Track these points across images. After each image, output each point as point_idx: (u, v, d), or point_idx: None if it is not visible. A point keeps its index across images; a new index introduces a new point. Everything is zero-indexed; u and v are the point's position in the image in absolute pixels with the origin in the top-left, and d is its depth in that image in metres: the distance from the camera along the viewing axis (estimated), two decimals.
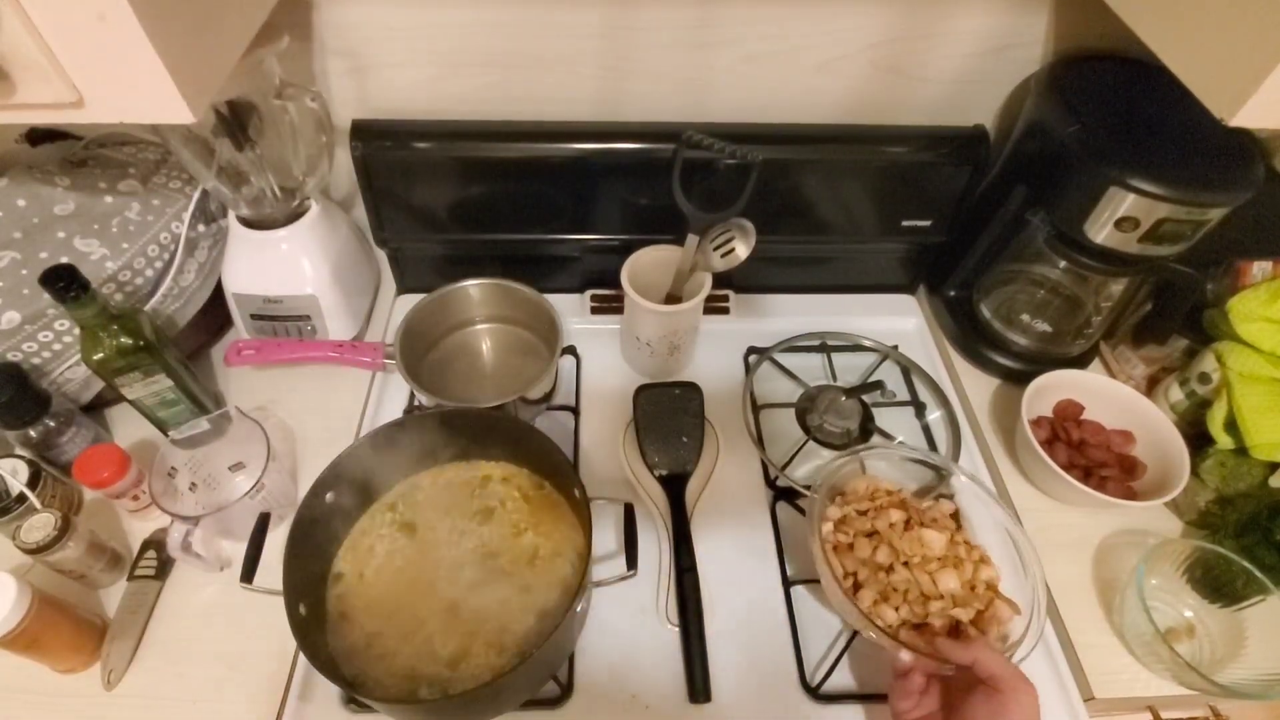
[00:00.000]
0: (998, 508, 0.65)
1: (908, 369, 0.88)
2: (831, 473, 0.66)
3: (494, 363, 0.86)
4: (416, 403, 0.82)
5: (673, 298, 0.78)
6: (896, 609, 0.58)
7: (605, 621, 0.66)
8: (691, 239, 0.74)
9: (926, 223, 0.86)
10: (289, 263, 0.78)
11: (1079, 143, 0.69)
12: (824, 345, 0.89)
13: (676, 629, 0.65)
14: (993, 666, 0.51)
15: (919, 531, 0.61)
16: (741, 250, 0.71)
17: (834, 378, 0.87)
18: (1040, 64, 0.80)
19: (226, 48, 0.52)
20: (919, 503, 0.66)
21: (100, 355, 0.64)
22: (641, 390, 0.77)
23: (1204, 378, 0.74)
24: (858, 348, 0.90)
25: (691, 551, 0.68)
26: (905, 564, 0.59)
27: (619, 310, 0.87)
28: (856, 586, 0.60)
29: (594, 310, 0.92)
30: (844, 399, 0.81)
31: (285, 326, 0.82)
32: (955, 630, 0.58)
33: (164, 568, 0.68)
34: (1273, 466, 0.70)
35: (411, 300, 0.82)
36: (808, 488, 0.73)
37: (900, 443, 0.79)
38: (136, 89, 0.42)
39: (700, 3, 0.73)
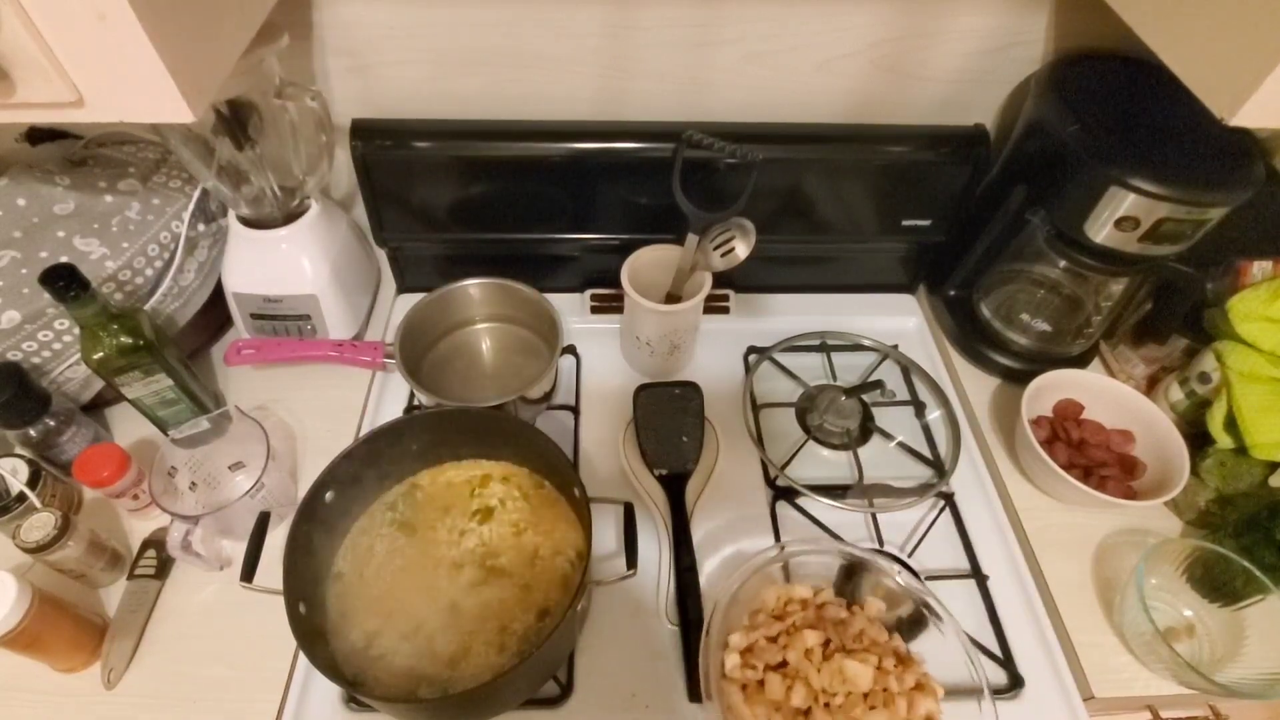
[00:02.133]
0: (914, 586, 0.55)
1: (908, 368, 0.88)
2: (743, 577, 0.52)
3: (494, 362, 0.86)
4: (416, 402, 0.82)
5: (673, 297, 0.78)
6: None
7: (605, 621, 0.66)
8: (691, 238, 0.74)
9: (926, 222, 0.86)
10: (289, 262, 0.78)
11: (1079, 142, 0.69)
12: (824, 345, 0.90)
13: (676, 629, 0.65)
14: None
15: (840, 662, 0.49)
16: (741, 250, 0.71)
17: (834, 377, 0.87)
18: (1040, 63, 0.80)
19: (226, 47, 0.52)
20: (840, 610, 0.54)
21: (100, 355, 0.64)
22: (641, 390, 0.78)
23: (1204, 377, 0.74)
24: (858, 347, 0.90)
25: (691, 551, 0.68)
26: (826, 706, 0.48)
27: (619, 310, 0.87)
28: None
29: (594, 310, 0.92)
30: (844, 398, 0.81)
31: (285, 326, 0.82)
32: None
33: (164, 567, 0.68)
34: (1273, 466, 0.70)
35: (411, 300, 0.82)
36: (809, 488, 0.73)
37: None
38: (136, 88, 0.42)
39: (701, 2, 0.73)
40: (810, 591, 0.55)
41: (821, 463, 0.79)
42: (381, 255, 0.94)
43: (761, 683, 0.50)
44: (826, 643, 0.50)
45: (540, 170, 0.79)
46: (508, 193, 0.82)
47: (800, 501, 0.75)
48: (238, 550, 0.62)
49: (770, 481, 0.77)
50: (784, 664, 0.50)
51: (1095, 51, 0.78)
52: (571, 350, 0.88)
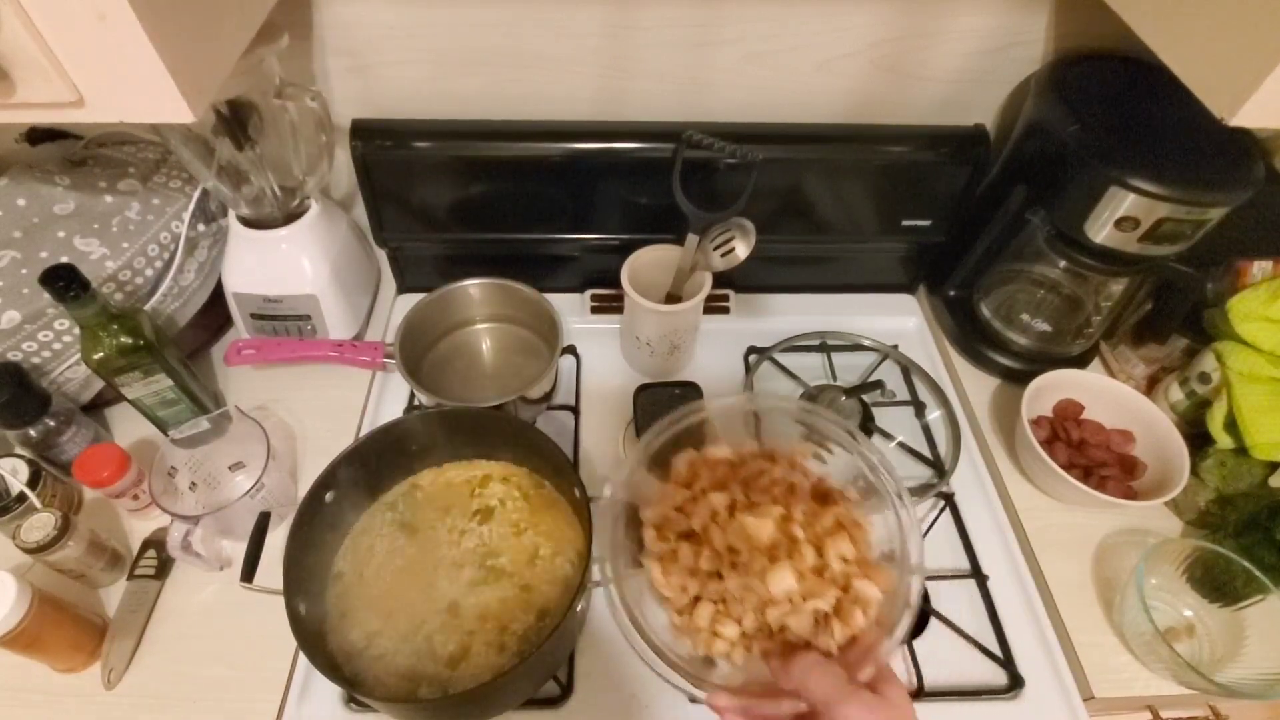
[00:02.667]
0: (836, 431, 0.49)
1: (908, 368, 0.88)
2: (646, 450, 0.48)
3: (494, 362, 0.86)
4: (416, 402, 0.82)
5: (673, 297, 0.78)
6: (740, 621, 0.44)
7: (605, 621, 0.66)
8: (691, 238, 0.74)
9: (926, 222, 0.86)
10: (289, 262, 0.78)
11: (1079, 142, 0.69)
12: (824, 345, 0.90)
13: None
14: (818, 691, 0.38)
15: (741, 519, 0.45)
16: (741, 250, 0.71)
17: (834, 377, 0.87)
18: (1040, 63, 0.80)
19: (226, 47, 0.52)
20: (760, 463, 0.49)
21: (100, 355, 0.64)
22: (641, 390, 0.77)
23: (1204, 377, 0.74)
24: (858, 347, 0.90)
25: None
26: (734, 566, 0.45)
27: (619, 310, 0.87)
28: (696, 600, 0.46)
29: (594, 310, 0.92)
30: (844, 398, 0.81)
31: (285, 326, 0.82)
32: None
33: (164, 567, 0.68)
34: (1273, 466, 0.70)
35: (411, 300, 0.82)
36: None
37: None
38: (136, 88, 0.42)
39: (701, 2, 0.73)
40: (728, 452, 0.50)
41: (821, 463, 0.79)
42: (381, 255, 0.94)
43: (675, 553, 0.47)
44: (733, 505, 0.47)
45: (540, 170, 0.79)
46: (508, 193, 0.82)
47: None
48: (238, 550, 0.62)
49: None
50: (692, 534, 0.47)
51: (1095, 51, 0.78)
52: (571, 350, 0.88)
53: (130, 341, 0.65)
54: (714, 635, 0.44)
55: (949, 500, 0.76)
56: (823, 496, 0.47)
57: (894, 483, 0.46)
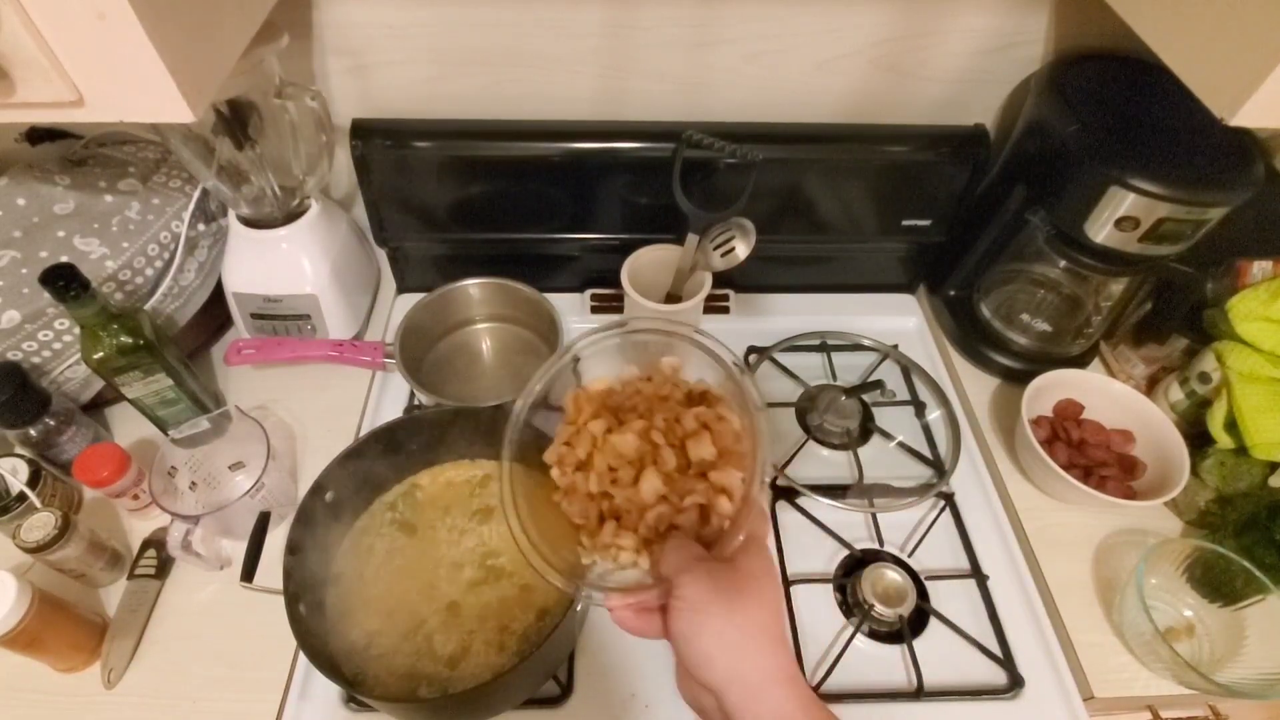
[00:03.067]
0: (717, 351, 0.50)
1: (908, 368, 0.88)
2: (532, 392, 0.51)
3: (494, 362, 0.86)
4: (416, 402, 0.82)
5: (673, 297, 0.78)
6: (635, 530, 0.47)
7: (605, 620, 0.66)
8: (691, 238, 0.74)
9: (926, 222, 0.86)
10: (289, 262, 0.78)
11: (1079, 142, 0.69)
12: (824, 345, 0.90)
13: None
14: (668, 568, 0.40)
15: (609, 439, 0.48)
16: (741, 250, 0.71)
17: (834, 377, 0.87)
18: (1040, 63, 0.80)
19: (226, 47, 0.52)
20: (636, 383, 0.52)
21: (100, 354, 0.64)
22: None
23: (1204, 377, 0.74)
24: (858, 347, 0.90)
25: None
26: (615, 482, 0.48)
27: (619, 310, 0.87)
28: (603, 521, 0.49)
29: (594, 310, 0.92)
30: (844, 398, 0.81)
31: (285, 326, 0.82)
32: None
33: (164, 567, 0.68)
34: (1273, 466, 0.70)
35: (411, 299, 0.82)
36: (809, 488, 0.74)
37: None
38: (136, 88, 0.42)
39: (701, 2, 0.73)
40: (607, 382, 0.53)
41: (821, 463, 0.79)
42: (381, 255, 0.94)
43: (574, 487, 0.50)
44: (610, 427, 0.50)
45: (540, 170, 0.79)
46: (508, 193, 0.82)
47: (800, 501, 0.75)
48: (238, 550, 0.62)
49: (770, 481, 0.77)
50: (581, 466, 0.50)
51: (1095, 51, 0.78)
52: None
53: (130, 341, 0.65)
54: (618, 549, 0.47)
55: (949, 500, 0.76)
56: (698, 399, 0.50)
57: (727, 354, 0.48)
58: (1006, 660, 0.65)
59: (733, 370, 0.48)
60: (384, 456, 0.65)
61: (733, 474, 0.46)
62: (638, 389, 0.52)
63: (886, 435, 0.81)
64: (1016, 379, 0.83)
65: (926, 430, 0.83)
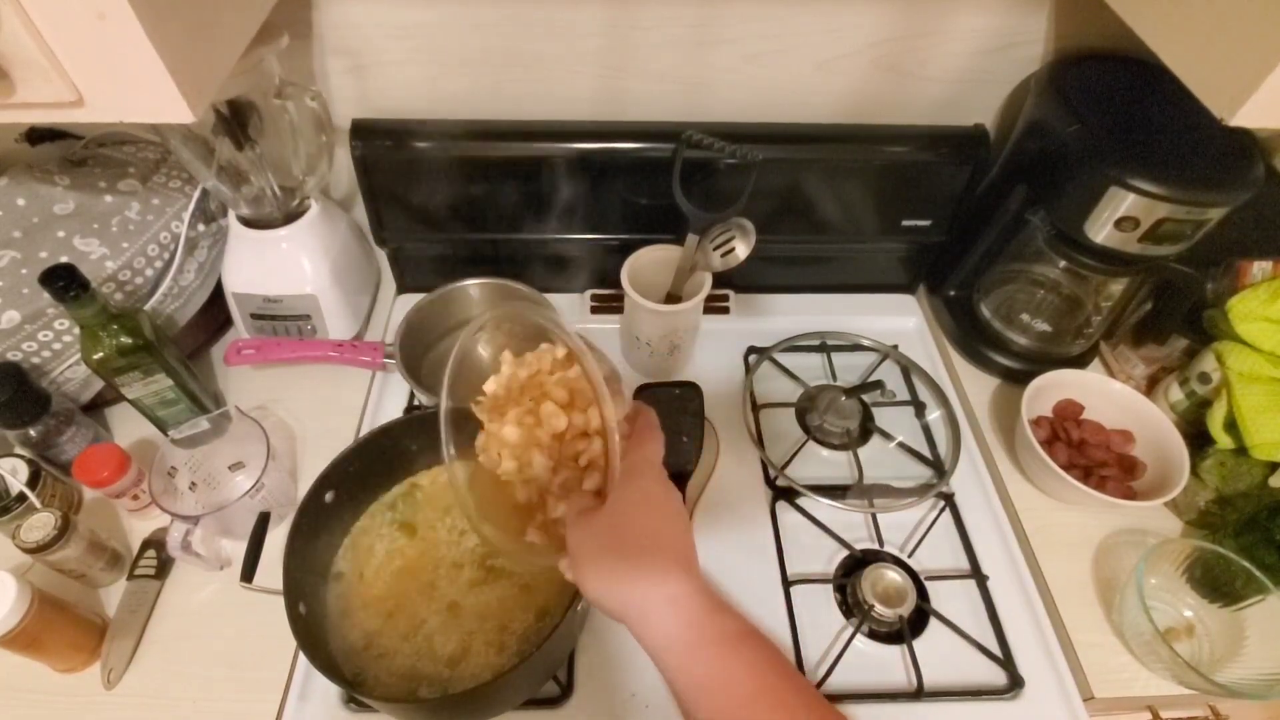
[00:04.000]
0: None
1: (908, 368, 0.88)
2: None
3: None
4: (416, 402, 0.81)
5: (673, 297, 0.78)
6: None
7: (605, 620, 0.66)
8: (691, 239, 0.74)
9: (926, 222, 0.86)
10: (289, 262, 0.78)
11: (1079, 143, 0.69)
12: (824, 345, 0.90)
13: None
14: (567, 526, 0.43)
15: (500, 436, 0.52)
16: (741, 250, 0.71)
17: (834, 377, 0.87)
18: (1040, 63, 0.80)
19: (226, 47, 0.52)
20: (515, 375, 0.55)
21: (100, 355, 0.64)
22: (641, 390, 0.77)
23: (1204, 377, 0.74)
24: (858, 347, 0.90)
25: None
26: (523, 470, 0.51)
27: (619, 310, 0.87)
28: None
29: (594, 310, 0.92)
30: (844, 398, 0.81)
31: (285, 326, 0.82)
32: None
33: (164, 567, 0.68)
34: (1273, 466, 0.70)
35: (411, 300, 0.82)
36: (809, 488, 0.73)
37: None
38: (136, 88, 0.42)
39: (701, 2, 0.73)
40: (493, 384, 0.57)
41: (821, 463, 0.79)
42: (381, 255, 0.94)
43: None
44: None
45: (540, 170, 0.79)
46: (508, 193, 0.82)
47: (800, 501, 0.75)
48: (238, 550, 0.62)
49: (770, 482, 0.77)
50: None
51: (1095, 51, 0.78)
52: None
53: (130, 341, 0.65)
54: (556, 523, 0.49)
55: (949, 500, 0.76)
56: (562, 365, 0.54)
57: (546, 313, 0.53)
58: (1006, 660, 0.65)
59: (547, 322, 0.52)
60: (384, 456, 0.65)
61: (591, 415, 0.49)
62: (516, 377, 0.56)
63: (886, 435, 0.81)
64: (1016, 379, 0.83)
65: (926, 430, 0.83)
